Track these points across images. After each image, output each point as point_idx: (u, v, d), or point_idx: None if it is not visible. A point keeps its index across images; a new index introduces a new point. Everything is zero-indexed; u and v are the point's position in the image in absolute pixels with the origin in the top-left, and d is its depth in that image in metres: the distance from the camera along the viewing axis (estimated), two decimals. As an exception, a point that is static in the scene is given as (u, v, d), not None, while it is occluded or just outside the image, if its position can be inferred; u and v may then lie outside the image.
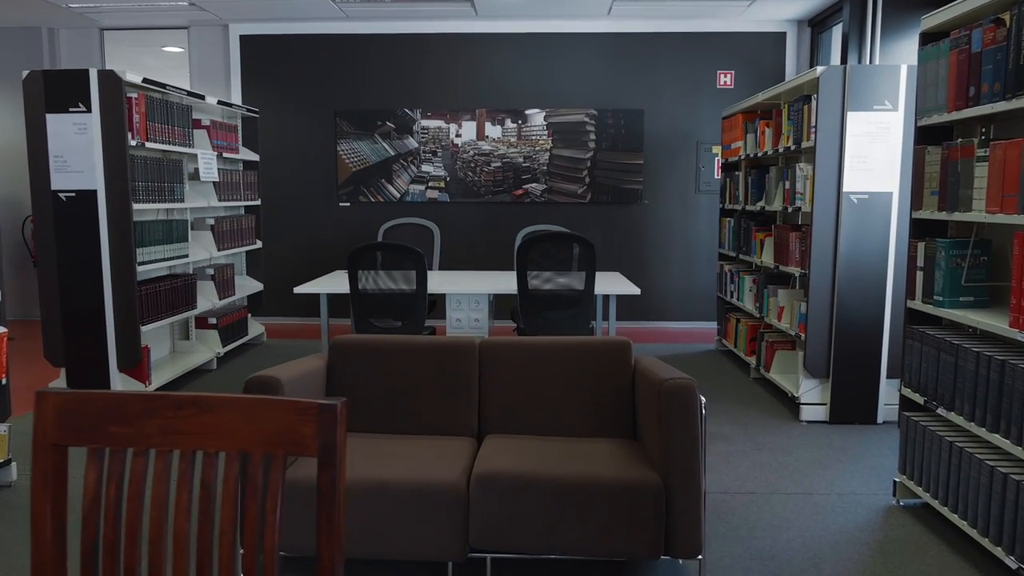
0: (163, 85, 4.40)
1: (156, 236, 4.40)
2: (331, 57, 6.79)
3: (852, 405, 4.02)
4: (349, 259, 3.98)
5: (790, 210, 4.30)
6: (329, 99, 6.84)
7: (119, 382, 4.23)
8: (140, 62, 8.56)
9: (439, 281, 4.50)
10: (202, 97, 4.93)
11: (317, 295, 6.65)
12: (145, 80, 4.19)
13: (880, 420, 4.03)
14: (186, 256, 4.75)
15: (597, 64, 6.75)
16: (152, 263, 4.36)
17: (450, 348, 2.88)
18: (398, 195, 6.92)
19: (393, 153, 6.88)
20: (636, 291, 4.12)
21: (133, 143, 4.12)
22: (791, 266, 4.32)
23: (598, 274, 4.87)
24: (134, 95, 4.16)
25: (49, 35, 6.95)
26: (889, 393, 4.06)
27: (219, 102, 5.18)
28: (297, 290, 4.20)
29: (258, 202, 5.95)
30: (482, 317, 4.23)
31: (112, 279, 4.11)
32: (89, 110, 3.98)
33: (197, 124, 5.05)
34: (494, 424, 2.83)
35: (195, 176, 5.02)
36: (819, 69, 3.86)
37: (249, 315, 6.00)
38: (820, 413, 4.07)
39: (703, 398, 2.36)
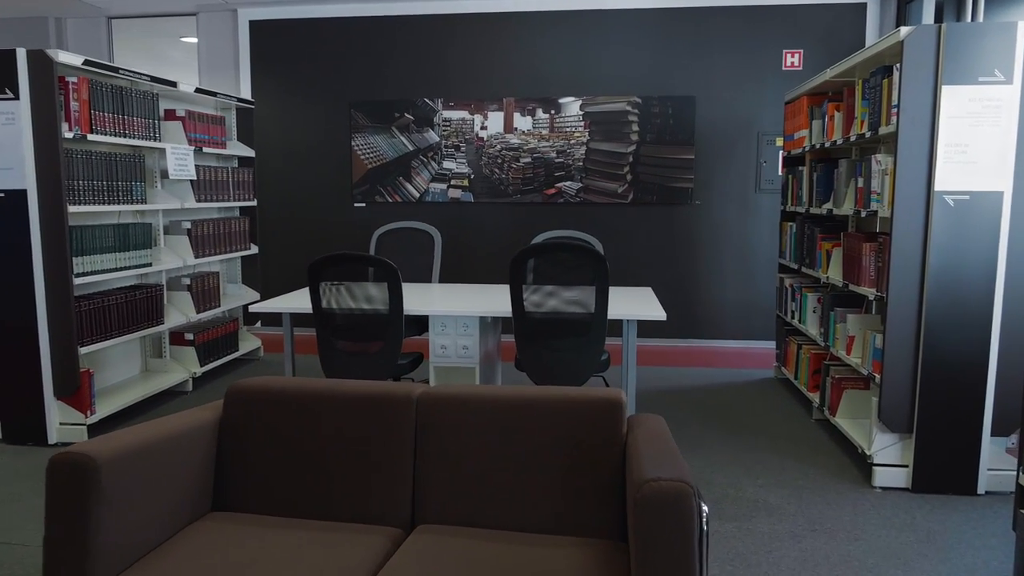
0: (115, 69, 3.83)
1: (106, 243, 3.83)
2: (345, 43, 6.17)
3: (943, 469, 3.07)
4: (309, 273, 3.30)
5: (863, 214, 3.38)
6: (343, 89, 6.21)
7: (56, 412, 3.68)
8: (163, 54, 8.19)
9: (429, 298, 3.78)
10: (174, 84, 4.35)
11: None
12: (89, 63, 3.62)
13: (981, 491, 3.07)
14: (150, 265, 4.18)
15: (641, 45, 5.89)
16: (101, 274, 3.79)
17: (379, 401, 2.15)
18: (417, 194, 6.24)
19: (412, 148, 6.20)
20: (661, 316, 3.29)
21: (70, 135, 3.56)
22: (864, 286, 3.39)
23: (624, 290, 4.04)
24: (74, 79, 3.59)
25: (56, 25, 6.59)
26: (995, 455, 3.10)
27: (197, 90, 4.60)
28: (254, 308, 3.55)
29: (254, 202, 5.37)
30: (471, 344, 3.48)
31: (46, 293, 3.56)
32: (17, 97, 3.43)
33: (171, 115, 4.49)
34: (432, 509, 2.08)
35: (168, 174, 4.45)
36: (904, 30, 2.94)
37: (243, 328, 5.43)
38: (899, 478, 3.14)
39: (705, 508, 1.55)
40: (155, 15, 6.54)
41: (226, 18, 6.35)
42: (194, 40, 7.50)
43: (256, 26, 6.27)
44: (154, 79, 4.17)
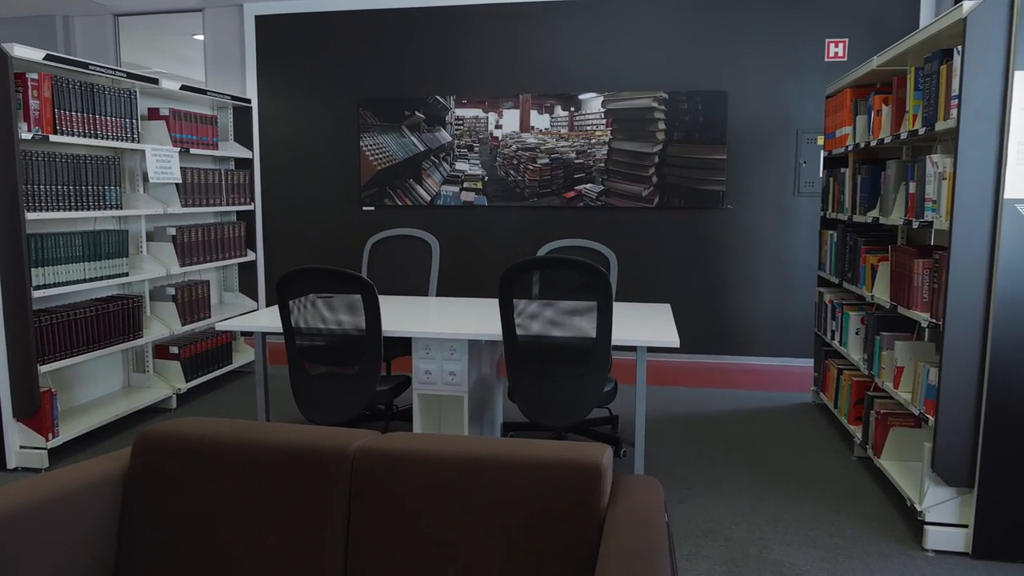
0: (85, 65, 3.54)
1: (73, 252, 3.54)
2: (353, 38, 5.84)
3: (1011, 533, 2.57)
4: (278, 290, 2.95)
5: (915, 225, 2.89)
6: (352, 86, 5.89)
7: (16, 434, 3.40)
8: (177, 52, 7.98)
9: (416, 315, 3.40)
10: (155, 81, 4.06)
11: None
12: (51, 57, 3.33)
13: (1059, 559, 2.57)
14: (125, 275, 3.89)
15: (668, 36, 5.43)
16: (66, 285, 3.51)
17: (308, 456, 1.77)
18: (428, 197, 5.87)
19: (423, 148, 5.84)
20: (674, 342, 2.85)
21: (28, 136, 3.27)
22: (915, 309, 2.90)
23: (637, 307, 3.61)
24: (34, 76, 3.31)
25: (64, 23, 6.40)
26: (1075, 515, 2.59)
27: (183, 87, 4.30)
28: (221, 326, 3.21)
29: (251, 207, 5.06)
30: (459, 370, 3.08)
31: (3, 307, 3.28)
32: (-31, 94, 3.16)
33: (155, 114, 4.20)
34: (365, 593, 1.69)
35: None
36: (967, 5, 2.45)
37: (239, 339, 5.14)
38: (957, 540, 2.65)
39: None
40: (160, 11, 6.30)
41: (232, 13, 6.08)
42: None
43: (262, 21, 5.99)
44: (131, 75, 3.88)
